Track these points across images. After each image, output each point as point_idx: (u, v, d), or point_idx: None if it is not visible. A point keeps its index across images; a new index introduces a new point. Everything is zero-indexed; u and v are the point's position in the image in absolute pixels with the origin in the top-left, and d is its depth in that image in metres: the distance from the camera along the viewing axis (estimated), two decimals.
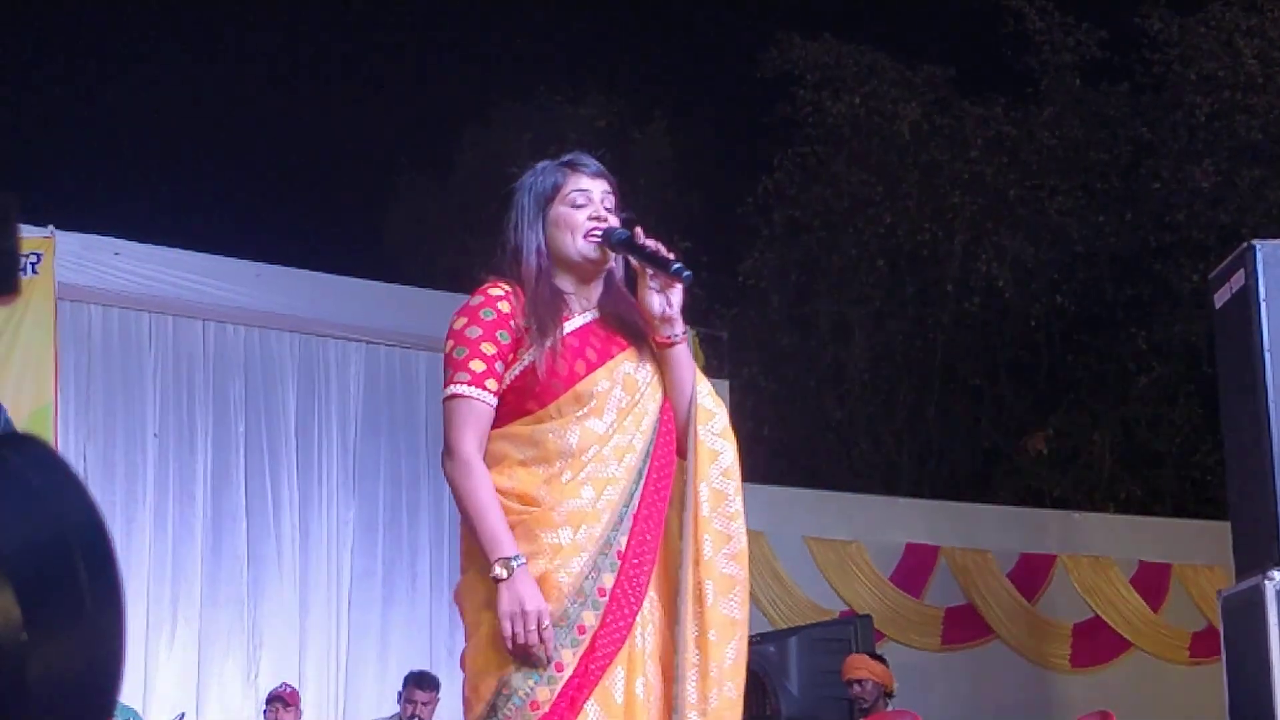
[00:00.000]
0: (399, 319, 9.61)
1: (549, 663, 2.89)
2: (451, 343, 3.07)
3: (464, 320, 3.07)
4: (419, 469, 9.73)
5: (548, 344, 3.03)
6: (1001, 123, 15.41)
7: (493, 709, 2.93)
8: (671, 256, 3.07)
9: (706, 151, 16.46)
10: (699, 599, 3.01)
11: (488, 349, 3.03)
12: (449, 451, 3.01)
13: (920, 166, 15.48)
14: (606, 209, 3.14)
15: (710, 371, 11.03)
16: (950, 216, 15.26)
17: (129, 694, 8.00)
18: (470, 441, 3.00)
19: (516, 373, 3.05)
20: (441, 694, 8.20)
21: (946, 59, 15.78)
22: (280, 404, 9.41)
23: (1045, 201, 15.25)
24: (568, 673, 2.91)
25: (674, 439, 3.12)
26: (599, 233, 3.10)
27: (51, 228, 8.45)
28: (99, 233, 8.92)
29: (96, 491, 8.37)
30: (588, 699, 2.92)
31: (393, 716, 8.24)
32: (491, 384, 3.03)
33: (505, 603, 2.87)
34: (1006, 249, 15.13)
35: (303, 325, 9.51)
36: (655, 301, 3.09)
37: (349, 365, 9.67)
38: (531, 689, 2.90)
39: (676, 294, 3.10)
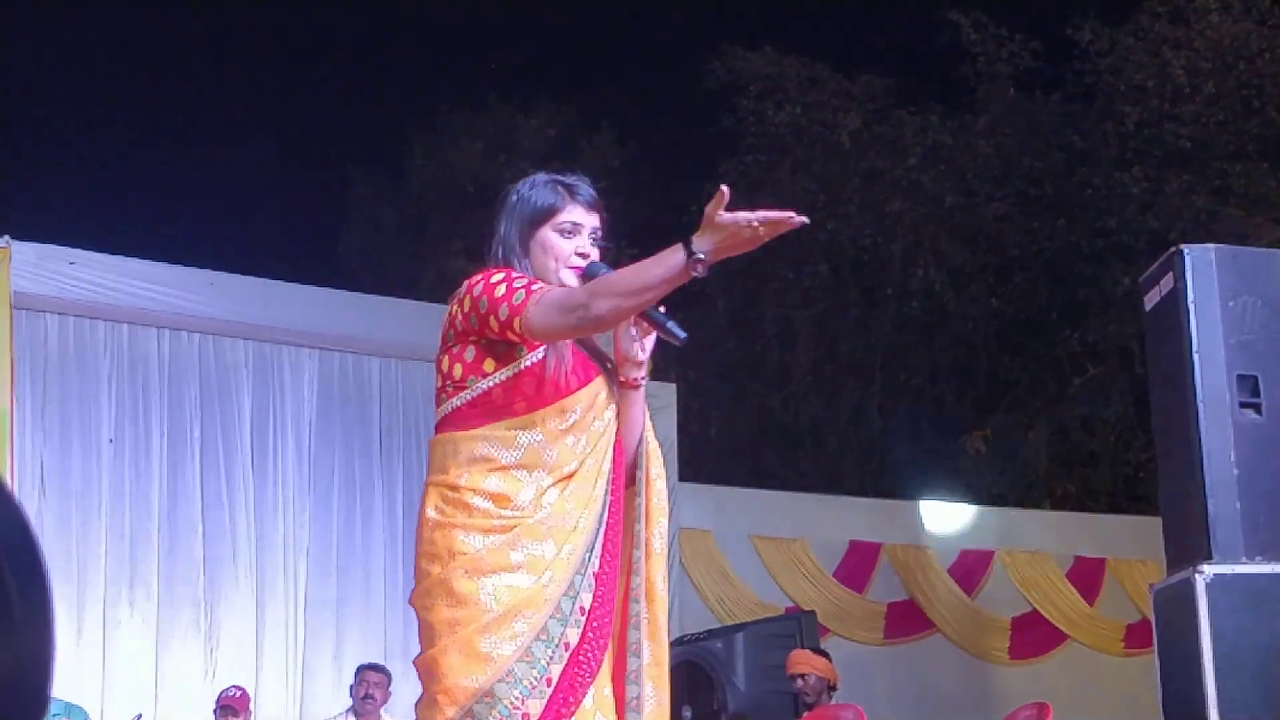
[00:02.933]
0: (352, 325, 9.63)
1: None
2: (505, 283, 2.99)
3: (502, 274, 3.03)
4: (372, 472, 9.73)
5: (557, 352, 3.04)
6: (939, 131, 15.47)
7: (472, 715, 2.92)
8: (664, 313, 3.03)
9: (653, 161, 16.50)
10: (653, 634, 3.11)
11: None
12: (586, 307, 2.87)
13: (860, 174, 15.53)
14: (595, 242, 3.14)
15: (658, 374, 11.12)
16: (890, 223, 15.30)
17: (88, 694, 8.00)
18: (572, 291, 2.97)
19: (521, 368, 3.04)
20: (393, 688, 8.35)
21: (885, 70, 15.85)
22: (235, 410, 9.36)
23: (981, 208, 15.31)
24: (553, 688, 2.94)
25: (624, 472, 3.15)
26: (581, 267, 3.10)
27: (7, 238, 8.42)
28: (54, 242, 8.84)
29: (53, 497, 8.51)
30: (574, 714, 2.96)
31: (345, 710, 8.33)
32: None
33: (714, 239, 2.85)
34: (945, 254, 15.20)
35: (257, 332, 9.46)
36: (634, 347, 3.11)
37: (303, 371, 9.62)
38: (520, 701, 2.91)
39: (650, 341, 3.12)
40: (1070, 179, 15.19)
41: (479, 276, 3.04)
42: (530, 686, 2.93)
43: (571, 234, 3.13)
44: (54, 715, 7.25)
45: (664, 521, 3.19)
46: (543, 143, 15.80)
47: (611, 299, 2.85)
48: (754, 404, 15.88)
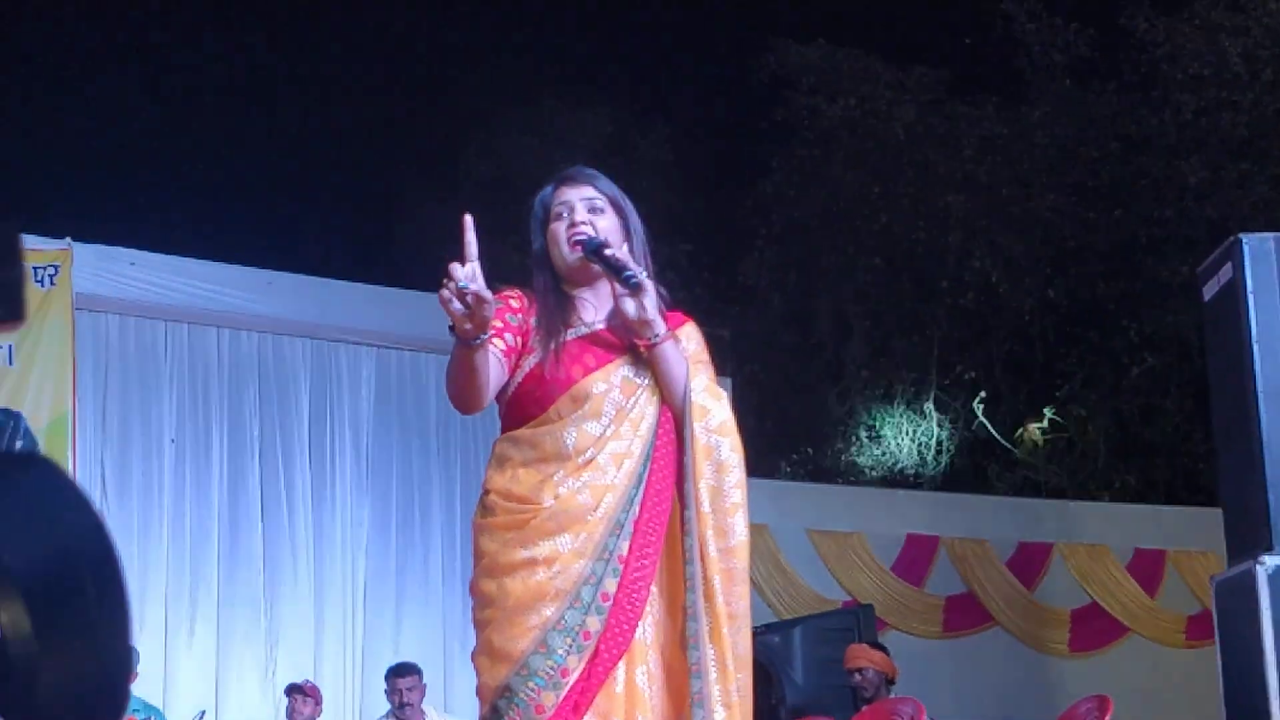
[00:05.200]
0: (409, 323, 9.63)
1: (475, 319, 2.81)
2: None
3: None
4: (430, 469, 9.80)
5: (551, 346, 3.11)
6: (993, 123, 15.41)
7: (495, 710, 2.99)
8: (631, 264, 3.11)
9: (706, 156, 16.44)
10: (708, 595, 3.03)
11: (495, 322, 3.05)
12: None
13: (914, 167, 15.48)
14: (594, 211, 3.18)
15: (714, 369, 11.07)
16: (944, 215, 15.23)
17: (151, 693, 8.11)
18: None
19: (521, 378, 3.13)
20: (452, 680, 8.36)
21: (939, 61, 15.79)
22: (294, 408, 9.45)
23: (1037, 199, 15.22)
24: (573, 678, 2.95)
25: (674, 441, 3.14)
26: (579, 240, 3.16)
27: (69, 239, 8.54)
28: (115, 243, 8.98)
29: (114, 497, 8.61)
30: (591, 703, 2.95)
31: (385, 715, 8.33)
32: (498, 343, 3.07)
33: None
34: (1000, 246, 15.12)
35: (315, 331, 9.56)
36: (630, 307, 3.11)
37: (360, 369, 9.71)
38: (536, 693, 2.94)
39: (649, 298, 3.10)
40: (1127, 169, 15.09)
41: None
42: (546, 678, 2.95)
43: (564, 215, 3.20)
44: (134, 711, 7.36)
45: (725, 476, 3.11)
46: (598, 139, 15.81)
47: (448, 388, 3.02)
48: (809, 398, 15.85)
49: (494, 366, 3.06)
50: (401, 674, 8.23)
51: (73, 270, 8.51)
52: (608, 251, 3.13)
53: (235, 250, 10.10)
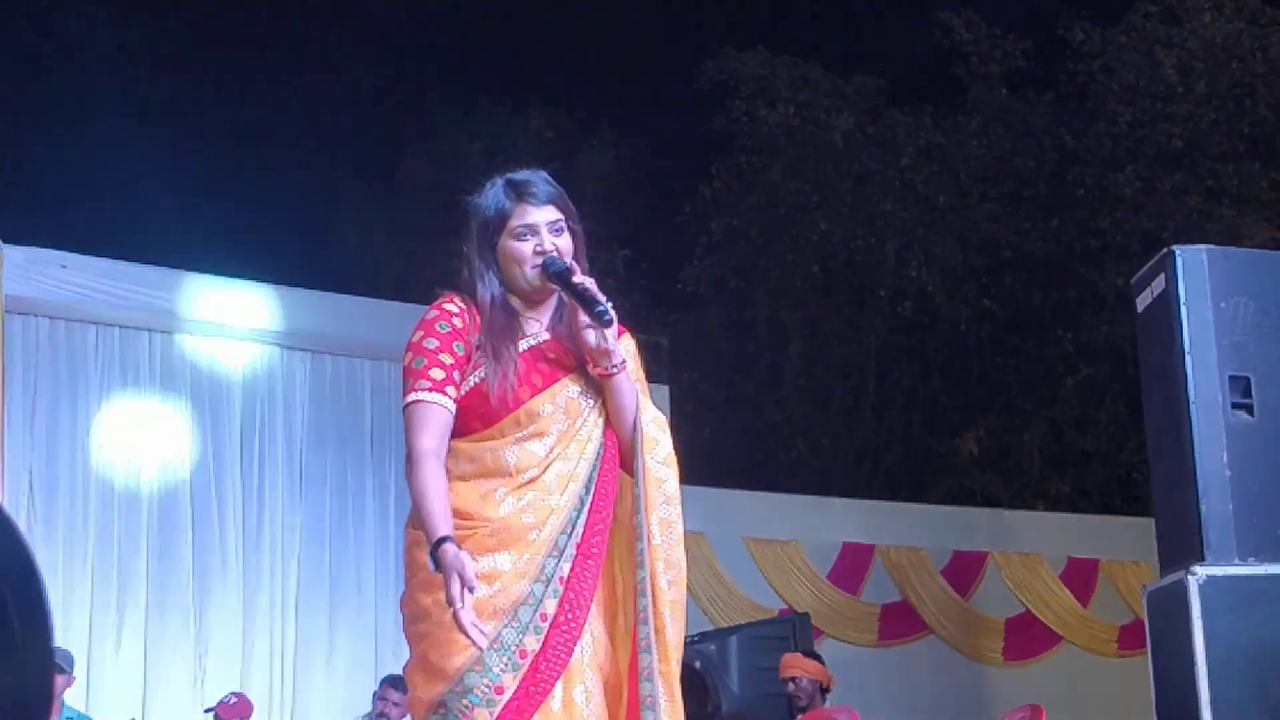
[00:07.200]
0: (345, 328, 9.60)
1: (479, 636, 2.86)
2: (410, 355, 3.09)
3: (421, 333, 3.10)
4: (364, 476, 9.71)
5: (500, 368, 3.07)
6: (931, 132, 15.48)
7: None
8: (600, 297, 3.08)
9: (646, 162, 16.47)
10: (659, 628, 3.05)
11: (446, 359, 3.06)
12: (407, 455, 3.03)
13: (853, 175, 15.55)
14: (555, 233, 3.14)
15: (650, 377, 10.92)
16: (882, 223, 15.31)
17: (77, 701, 7.95)
18: (428, 440, 3.02)
19: (465, 391, 3.09)
20: (372, 692, 8.29)
21: (877, 70, 15.87)
22: (226, 414, 9.35)
23: (974, 208, 15.35)
24: (508, 695, 2.94)
25: (617, 466, 3.14)
26: (543, 264, 3.12)
27: None
28: (46, 245, 8.85)
29: (41, 503, 8.45)
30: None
31: (365, 716, 8.28)
32: (451, 391, 3.05)
33: (449, 561, 2.86)
34: (937, 255, 15.23)
35: (249, 335, 9.46)
36: (591, 337, 3.09)
37: (295, 374, 9.63)
38: (470, 709, 2.92)
39: (611, 331, 3.09)
40: (1063, 179, 15.22)
41: (417, 327, 3.14)
42: (480, 695, 2.92)
43: (528, 238, 3.14)
44: (65, 719, 7.24)
45: (671, 509, 3.12)
46: (539, 144, 15.77)
47: (411, 483, 3.00)
48: (746, 406, 15.88)
49: (447, 421, 3.07)
50: (398, 687, 8.15)
51: (3, 272, 8.39)
52: (575, 279, 3.10)
53: (167, 253, 10.01)
